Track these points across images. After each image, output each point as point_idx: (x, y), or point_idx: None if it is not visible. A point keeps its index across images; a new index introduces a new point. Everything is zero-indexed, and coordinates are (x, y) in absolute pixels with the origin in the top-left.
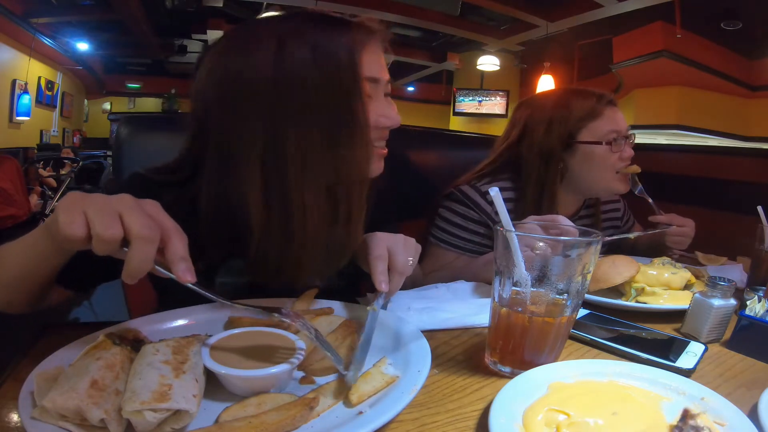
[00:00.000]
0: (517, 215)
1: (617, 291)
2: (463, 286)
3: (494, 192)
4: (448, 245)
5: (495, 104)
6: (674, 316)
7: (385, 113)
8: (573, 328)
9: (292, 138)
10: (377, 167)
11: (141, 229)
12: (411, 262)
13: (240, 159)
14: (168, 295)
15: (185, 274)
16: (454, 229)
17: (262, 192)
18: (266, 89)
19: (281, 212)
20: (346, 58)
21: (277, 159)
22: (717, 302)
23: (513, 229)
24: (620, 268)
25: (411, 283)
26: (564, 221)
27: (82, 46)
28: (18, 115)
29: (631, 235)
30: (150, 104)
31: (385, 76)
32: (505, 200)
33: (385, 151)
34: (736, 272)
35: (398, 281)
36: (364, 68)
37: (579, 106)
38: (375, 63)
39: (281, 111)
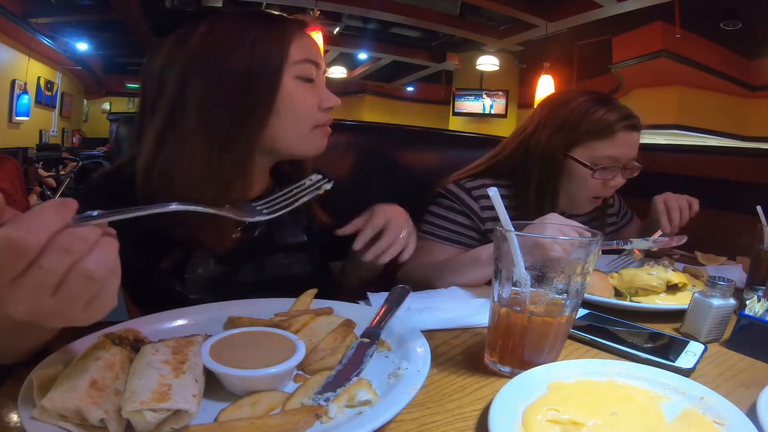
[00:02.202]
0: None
1: (616, 290)
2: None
3: (493, 192)
4: (435, 237)
5: (494, 104)
6: (674, 316)
7: (328, 96)
8: (572, 328)
9: (224, 108)
10: (320, 145)
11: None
12: (405, 233)
13: (176, 127)
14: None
15: None
16: (438, 221)
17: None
18: (215, 68)
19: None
20: (278, 44)
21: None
22: (716, 302)
23: (512, 229)
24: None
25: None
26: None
27: (82, 46)
28: (17, 115)
29: (627, 247)
30: None
31: (322, 64)
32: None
33: (329, 129)
34: (736, 272)
35: (389, 247)
36: (302, 51)
37: (593, 120)
38: (312, 48)
39: (219, 82)
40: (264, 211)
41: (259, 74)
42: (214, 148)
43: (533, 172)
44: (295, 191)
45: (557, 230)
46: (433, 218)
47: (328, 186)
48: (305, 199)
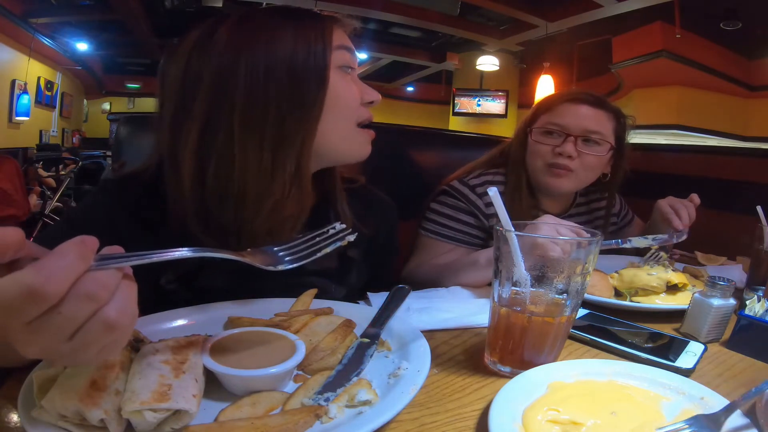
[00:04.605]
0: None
1: (616, 290)
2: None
3: (493, 192)
4: (438, 236)
5: (494, 105)
6: (674, 316)
7: (367, 89)
8: (573, 328)
9: (273, 105)
10: (365, 149)
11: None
12: None
13: (220, 128)
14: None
15: None
16: (443, 220)
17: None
18: (259, 68)
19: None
20: (319, 31)
21: (253, 126)
22: (716, 302)
23: (513, 229)
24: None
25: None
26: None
27: (82, 46)
28: (17, 116)
29: (626, 246)
30: (149, 104)
31: (356, 56)
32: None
33: (373, 133)
34: (736, 272)
35: None
36: (339, 39)
37: (546, 100)
38: (346, 38)
39: (264, 82)
40: (287, 259)
41: (306, 65)
42: (267, 149)
43: (511, 156)
44: (317, 239)
45: (553, 230)
46: (438, 216)
47: (352, 237)
48: (327, 250)
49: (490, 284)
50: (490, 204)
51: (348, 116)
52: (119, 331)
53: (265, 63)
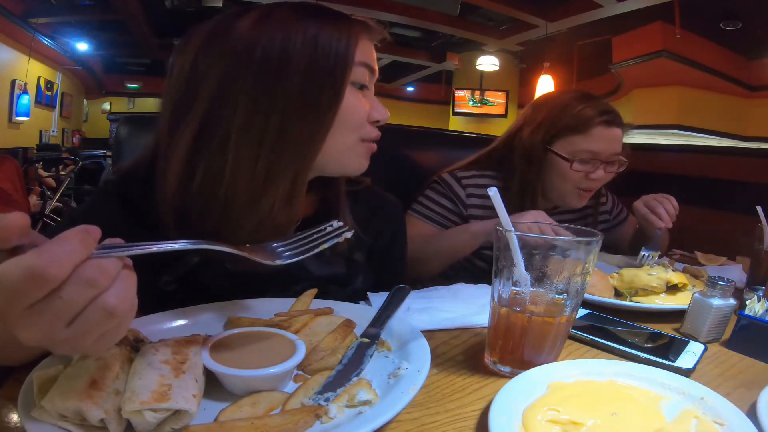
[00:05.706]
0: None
1: (616, 290)
2: (463, 287)
3: (493, 192)
4: (419, 215)
5: (494, 105)
6: (674, 316)
7: (377, 107)
8: (573, 328)
9: (277, 113)
10: (361, 164)
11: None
12: None
13: (218, 130)
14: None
15: None
16: (427, 202)
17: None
18: (266, 67)
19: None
20: (344, 41)
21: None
22: (716, 302)
23: (513, 229)
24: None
25: None
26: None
27: (82, 46)
28: (17, 116)
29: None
30: (149, 104)
31: (377, 72)
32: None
33: (374, 146)
34: (736, 272)
35: None
36: (362, 54)
37: (571, 115)
38: (371, 53)
39: (275, 85)
40: (285, 254)
41: (323, 74)
42: (263, 159)
43: (516, 166)
44: (315, 236)
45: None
46: (423, 199)
47: (349, 234)
48: (325, 246)
49: (490, 283)
50: (471, 195)
51: (353, 133)
52: (118, 319)
53: (278, 65)
